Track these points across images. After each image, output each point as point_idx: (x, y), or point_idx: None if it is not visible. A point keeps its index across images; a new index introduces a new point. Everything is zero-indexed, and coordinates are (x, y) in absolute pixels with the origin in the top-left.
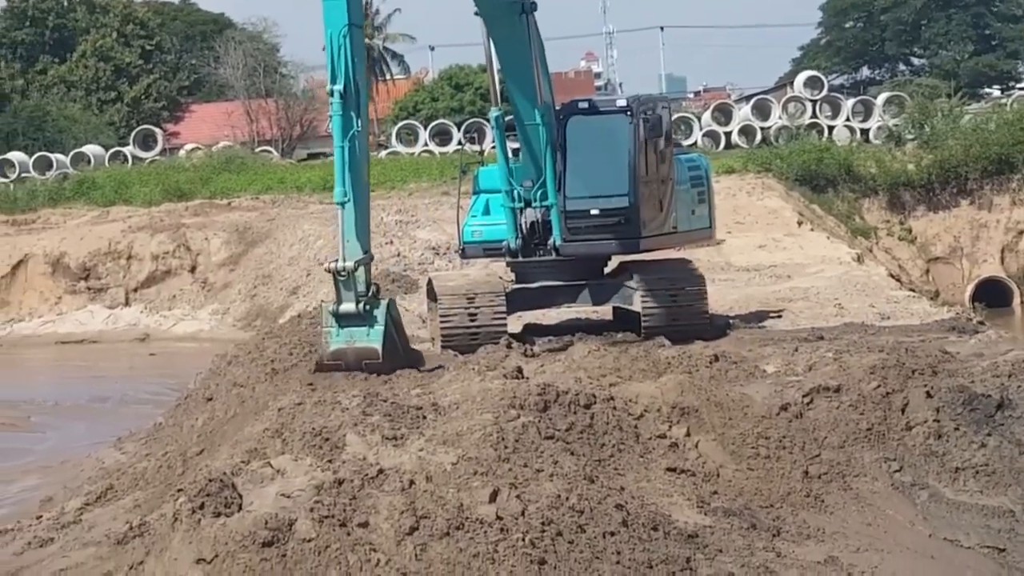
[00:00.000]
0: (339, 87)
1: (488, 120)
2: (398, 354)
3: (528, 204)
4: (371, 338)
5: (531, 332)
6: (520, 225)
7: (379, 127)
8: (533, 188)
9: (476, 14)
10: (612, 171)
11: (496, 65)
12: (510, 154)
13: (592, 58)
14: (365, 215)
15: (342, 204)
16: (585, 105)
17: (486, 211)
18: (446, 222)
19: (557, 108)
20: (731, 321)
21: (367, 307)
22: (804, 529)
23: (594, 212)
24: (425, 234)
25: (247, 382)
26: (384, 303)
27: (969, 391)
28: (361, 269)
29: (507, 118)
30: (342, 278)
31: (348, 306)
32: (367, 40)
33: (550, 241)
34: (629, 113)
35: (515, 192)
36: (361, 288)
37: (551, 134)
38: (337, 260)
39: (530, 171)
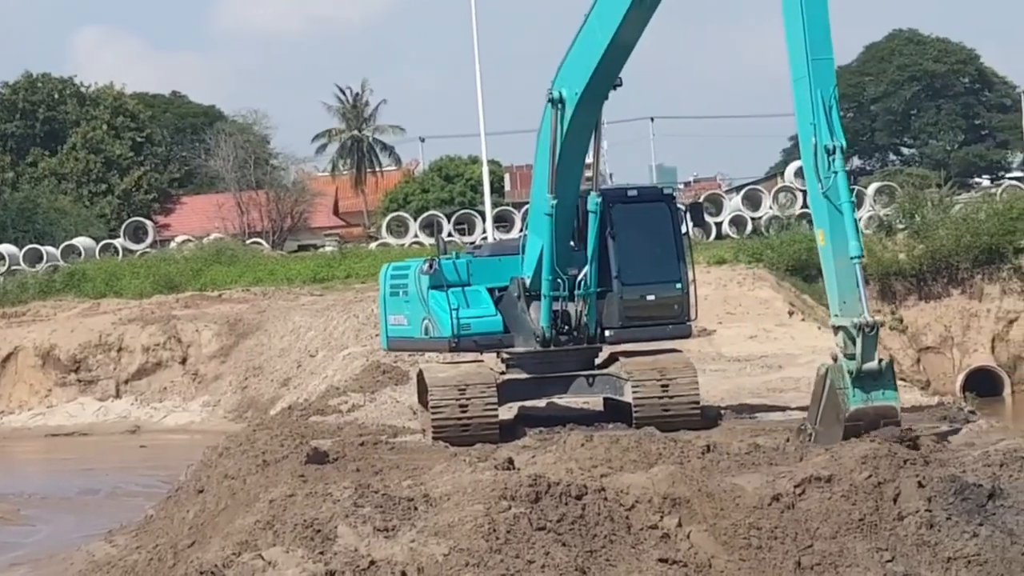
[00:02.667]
0: (842, 143)
1: (478, 211)
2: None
3: (572, 293)
4: (887, 397)
5: (523, 422)
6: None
7: (369, 218)
8: (579, 277)
9: (551, 101)
10: (663, 258)
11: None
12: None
13: None
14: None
15: (858, 258)
16: (634, 193)
17: (466, 304)
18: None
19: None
20: (722, 411)
21: (886, 365)
22: None
23: (650, 299)
24: None
25: (238, 474)
26: (891, 362)
27: (961, 481)
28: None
29: (499, 207)
30: (870, 333)
31: (871, 365)
32: (356, 132)
33: (583, 330)
34: (674, 200)
35: (560, 281)
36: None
37: (592, 221)
38: (862, 316)
39: (565, 260)
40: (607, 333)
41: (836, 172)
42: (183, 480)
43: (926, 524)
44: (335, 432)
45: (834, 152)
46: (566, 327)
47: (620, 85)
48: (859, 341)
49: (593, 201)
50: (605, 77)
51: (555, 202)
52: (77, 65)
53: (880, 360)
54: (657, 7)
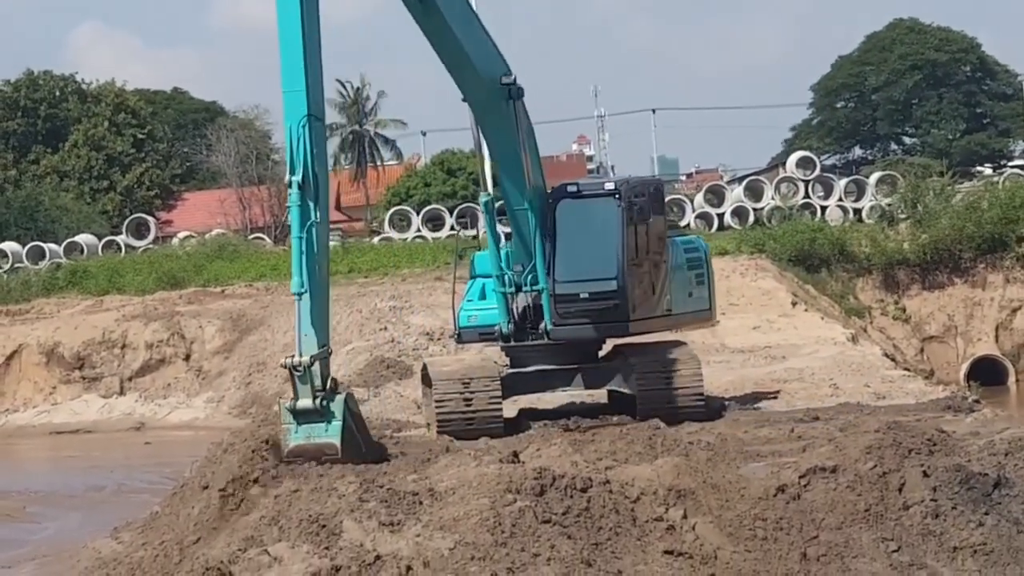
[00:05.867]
0: (297, 178)
1: (479, 205)
2: (359, 449)
3: (519, 288)
4: (329, 433)
5: (526, 416)
6: (512, 309)
7: (371, 213)
8: (524, 272)
9: (464, 100)
10: (601, 254)
11: (486, 150)
12: (503, 238)
13: (584, 141)
14: (323, 307)
15: (299, 295)
16: (574, 188)
17: (482, 295)
18: (440, 307)
19: (549, 192)
20: (726, 403)
21: (323, 402)
22: None
23: (583, 296)
24: (419, 319)
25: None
26: (341, 397)
27: (966, 470)
28: (317, 364)
29: (499, 203)
30: (298, 373)
31: (305, 402)
32: (357, 126)
33: (542, 325)
34: (617, 196)
35: (506, 277)
36: (318, 383)
37: (541, 218)
38: (293, 355)
39: (521, 255)
40: (550, 328)
41: (290, 206)
42: (188, 476)
43: (931, 514)
44: None
45: (291, 186)
46: (528, 322)
47: (511, 84)
48: (291, 380)
49: (525, 198)
50: (454, 76)
51: (486, 198)
52: (76, 62)
53: (318, 398)
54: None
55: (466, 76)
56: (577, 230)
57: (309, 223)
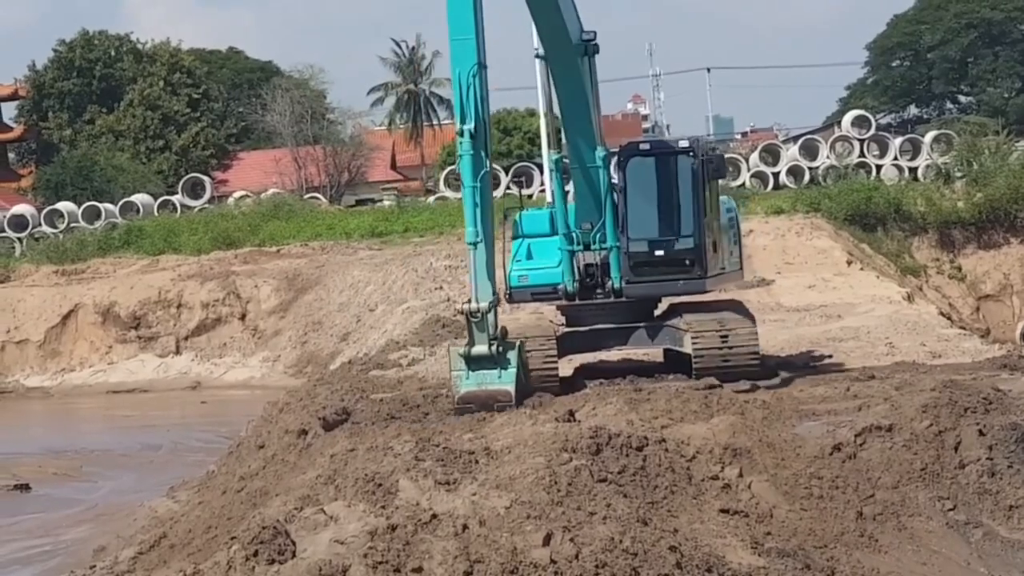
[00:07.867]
0: (470, 127)
1: (535, 164)
2: (528, 397)
3: (588, 246)
4: (503, 380)
5: (582, 375)
6: (577, 268)
7: (427, 172)
8: (593, 230)
9: (537, 56)
10: (677, 212)
11: (557, 109)
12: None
13: (639, 100)
14: (492, 256)
15: (474, 244)
16: (647, 147)
17: (528, 255)
18: (496, 267)
19: (613, 150)
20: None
21: (499, 349)
22: (859, 569)
23: (659, 253)
24: None
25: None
26: (517, 344)
27: (1022, 428)
28: (494, 311)
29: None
30: (475, 319)
31: (481, 348)
32: (412, 86)
33: (608, 283)
34: (692, 154)
35: (574, 235)
36: (492, 330)
37: (609, 176)
38: (470, 301)
39: (588, 214)
40: (622, 286)
41: (461, 155)
42: (244, 436)
43: (988, 472)
44: (395, 386)
45: (463, 135)
46: (592, 280)
47: (590, 40)
48: (467, 327)
49: (597, 156)
50: (543, 30)
51: (556, 156)
52: (131, 22)
53: (494, 344)
54: None
55: (558, 37)
56: (650, 188)
57: (482, 172)
